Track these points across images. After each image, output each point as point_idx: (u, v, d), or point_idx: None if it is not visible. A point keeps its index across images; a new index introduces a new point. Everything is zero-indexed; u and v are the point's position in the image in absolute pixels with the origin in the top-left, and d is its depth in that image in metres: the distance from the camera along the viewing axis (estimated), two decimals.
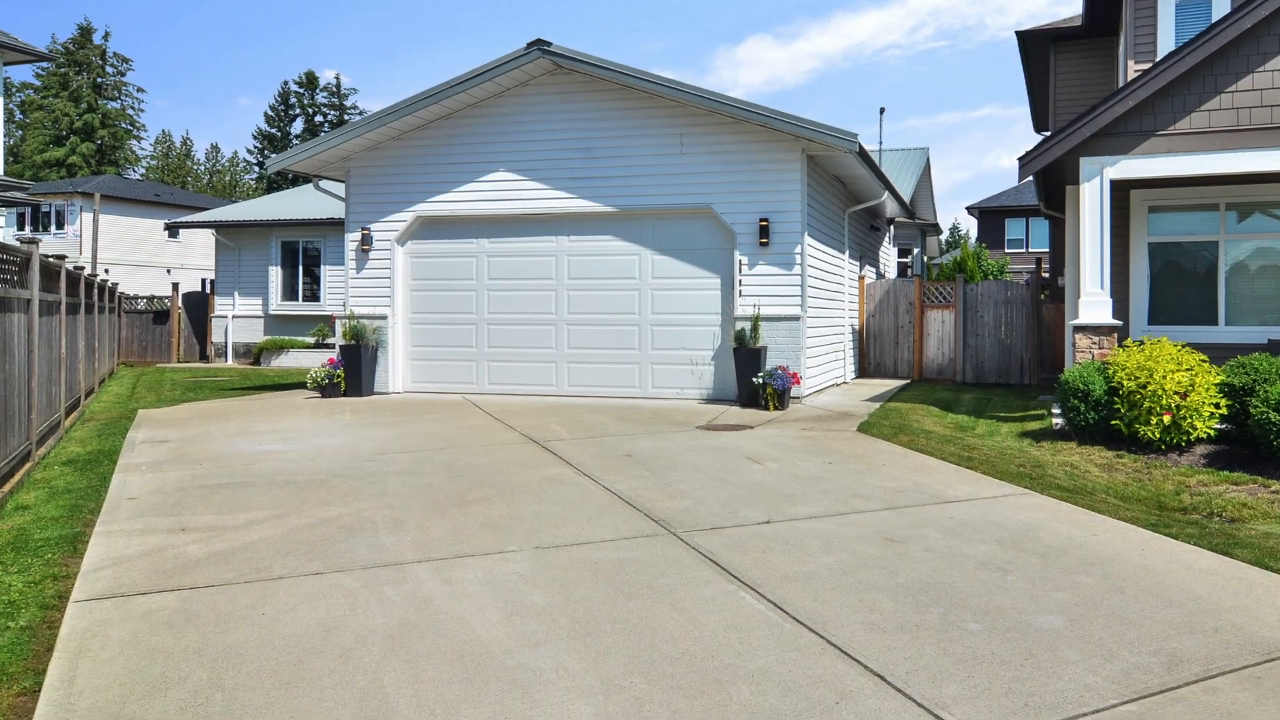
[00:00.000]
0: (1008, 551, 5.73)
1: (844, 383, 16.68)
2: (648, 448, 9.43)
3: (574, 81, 13.96)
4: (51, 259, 10.34)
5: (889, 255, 24.34)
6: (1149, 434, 9.31)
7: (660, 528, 6.31)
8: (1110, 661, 4.08)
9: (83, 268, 14.19)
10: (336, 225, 22.93)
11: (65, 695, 3.81)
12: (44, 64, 64.18)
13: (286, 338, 24.43)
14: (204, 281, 40.41)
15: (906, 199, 22.92)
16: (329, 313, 23.69)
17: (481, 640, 4.35)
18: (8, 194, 22.04)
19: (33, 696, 3.81)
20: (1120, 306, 11.88)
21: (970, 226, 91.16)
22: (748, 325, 12.99)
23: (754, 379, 12.58)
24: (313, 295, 24.88)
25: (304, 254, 24.89)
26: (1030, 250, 43.05)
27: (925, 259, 31.43)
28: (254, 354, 24.55)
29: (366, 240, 14.83)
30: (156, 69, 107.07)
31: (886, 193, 16.70)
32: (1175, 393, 9.21)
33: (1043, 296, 17.60)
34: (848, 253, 17.10)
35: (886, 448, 9.50)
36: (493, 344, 14.56)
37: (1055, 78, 16.97)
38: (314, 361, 21.57)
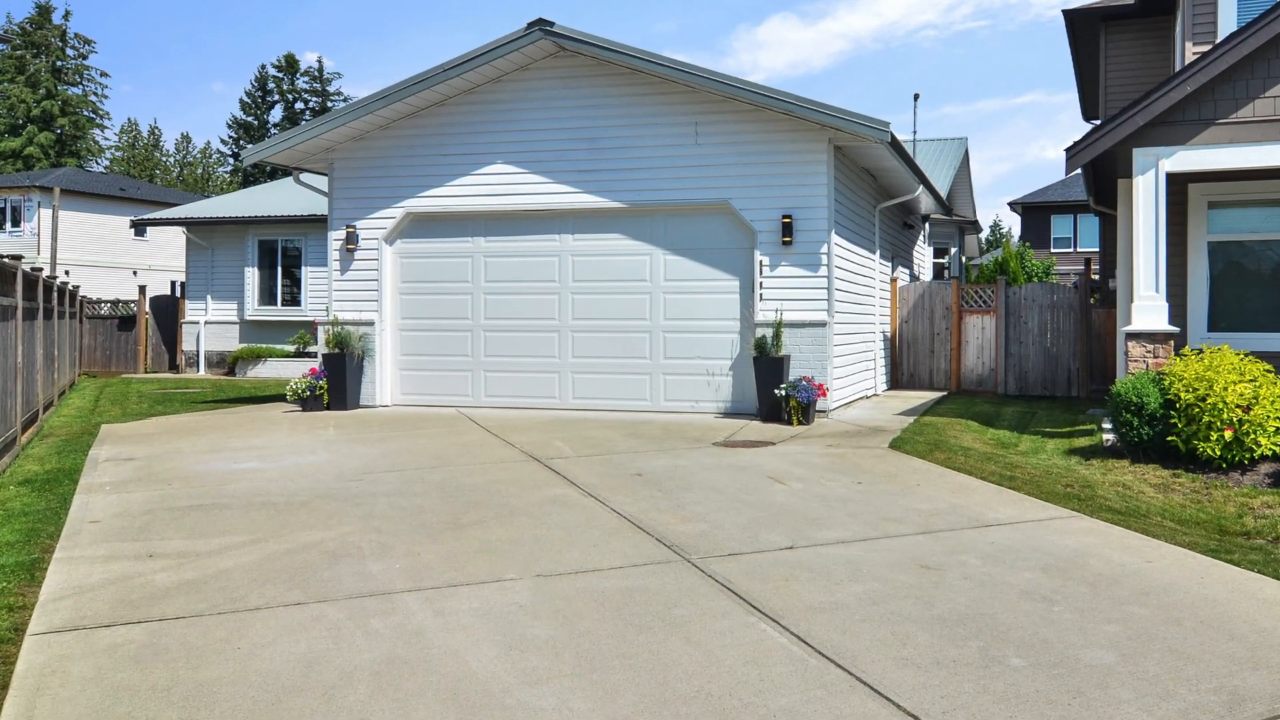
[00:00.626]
0: (1054, 580, 5.73)
1: (874, 395, 16.69)
2: (659, 466, 9.45)
3: (579, 65, 14.03)
4: (6, 259, 10.43)
5: (924, 255, 24.35)
6: (1208, 451, 9.30)
7: (673, 554, 6.33)
8: (1166, 700, 4.08)
9: (41, 269, 14.30)
10: (319, 222, 23.01)
11: None
12: None
13: (264, 345, 24.54)
14: (174, 284, 40.71)
15: (943, 193, 22.94)
16: (310, 318, 23.78)
17: (477, 677, 4.37)
18: None
19: None
20: (1177, 311, 11.86)
21: (1013, 224, 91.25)
22: (769, 332, 13.01)
23: (776, 391, 12.60)
24: (293, 299, 25.00)
25: (283, 254, 25.01)
26: (1078, 250, 43.01)
27: (963, 259, 31.38)
28: (228, 363, 24.68)
29: (352, 239, 14.90)
30: (121, 52, 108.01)
31: (921, 187, 16.72)
32: (1237, 406, 9.19)
33: (1092, 301, 17.58)
34: (878, 253, 17.12)
35: (921, 466, 9.50)
36: (490, 353, 14.61)
37: (1105, 61, 16.97)
38: (294, 371, 21.66)
